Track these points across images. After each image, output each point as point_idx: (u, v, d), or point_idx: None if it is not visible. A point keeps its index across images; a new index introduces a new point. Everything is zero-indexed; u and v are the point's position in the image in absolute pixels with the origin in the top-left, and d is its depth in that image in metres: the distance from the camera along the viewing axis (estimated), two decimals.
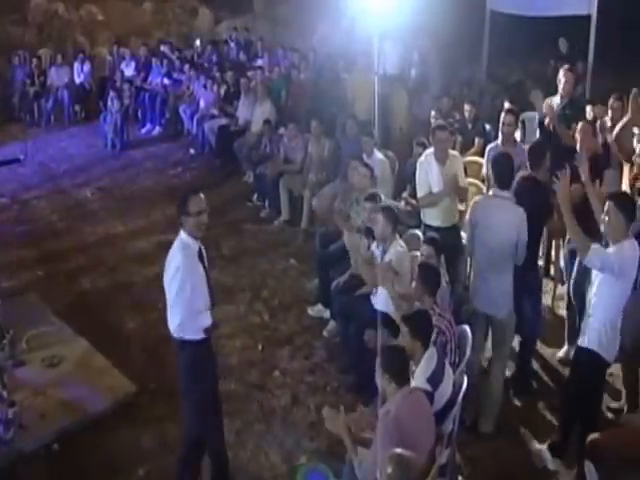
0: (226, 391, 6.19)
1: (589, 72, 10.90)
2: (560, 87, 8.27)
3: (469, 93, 11.60)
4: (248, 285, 8.16)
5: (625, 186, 6.66)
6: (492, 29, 12.74)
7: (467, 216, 6.01)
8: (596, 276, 5.02)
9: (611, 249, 4.87)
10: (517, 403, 6.17)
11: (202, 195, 4.71)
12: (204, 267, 4.80)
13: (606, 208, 4.92)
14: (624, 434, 4.81)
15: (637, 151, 6.50)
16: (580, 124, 6.95)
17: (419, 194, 6.95)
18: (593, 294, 5.05)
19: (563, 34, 12.90)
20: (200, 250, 4.76)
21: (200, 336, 4.77)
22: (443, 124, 7.17)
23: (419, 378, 4.59)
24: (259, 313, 7.59)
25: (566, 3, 11.61)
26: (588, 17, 11.04)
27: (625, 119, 7.36)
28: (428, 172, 6.84)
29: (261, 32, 17.13)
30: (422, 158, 7.01)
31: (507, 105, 8.74)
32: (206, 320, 4.79)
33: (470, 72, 13.38)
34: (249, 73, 12.78)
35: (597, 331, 4.98)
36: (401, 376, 4.35)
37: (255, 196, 10.56)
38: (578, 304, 6.22)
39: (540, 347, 6.87)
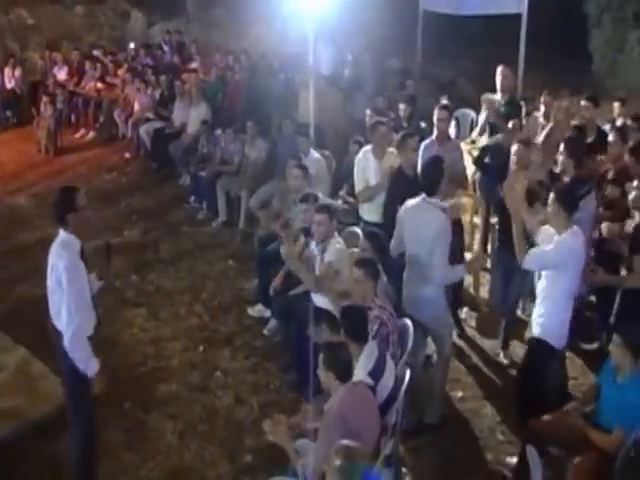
0: (168, 393, 6.25)
1: (520, 70, 11.18)
2: (498, 84, 8.43)
3: (403, 92, 11.75)
4: (187, 287, 8.13)
5: None
6: (425, 29, 12.93)
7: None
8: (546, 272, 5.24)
9: (550, 245, 5.07)
10: (460, 395, 6.30)
11: None
12: (85, 266, 4.66)
13: (550, 201, 5.14)
14: (559, 418, 4.95)
15: (560, 159, 6.63)
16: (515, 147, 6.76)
17: (357, 189, 7.04)
18: (541, 286, 5.26)
19: (495, 32, 13.16)
20: (82, 248, 4.64)
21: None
22: (381, 120, 7.26)
23: (360, 372, 4.61)
24: (199, 315, 7.56)
25: (497, 2, 11.86)
26: (519, 15, 11.34)
27: (550, 126, 7.58)
28: (366, 168, 6.97)
29: (194, 35, 17.02)
30: (360, 155, 7.13)
31: (442, 101, 8.89)
32: (90, 326, 4.69)
33: (404, 71, 13.56)
34: (184, 76, 12.70)
35: (547, 321, 5.18)
36: (345, 372, 4.37)
37: (192, 198, 10.53)
38: None
39: (481, 341, 7.05)
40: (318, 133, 9.45)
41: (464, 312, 7.37)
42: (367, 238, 5.92)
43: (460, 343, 6.93)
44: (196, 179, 10.34)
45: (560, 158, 6.43)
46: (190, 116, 11.41)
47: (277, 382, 6.38)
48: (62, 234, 4.58)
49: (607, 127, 8.38)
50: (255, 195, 9.09)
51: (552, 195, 5.19)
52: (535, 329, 5.31)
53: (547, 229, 5.36)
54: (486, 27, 12.70)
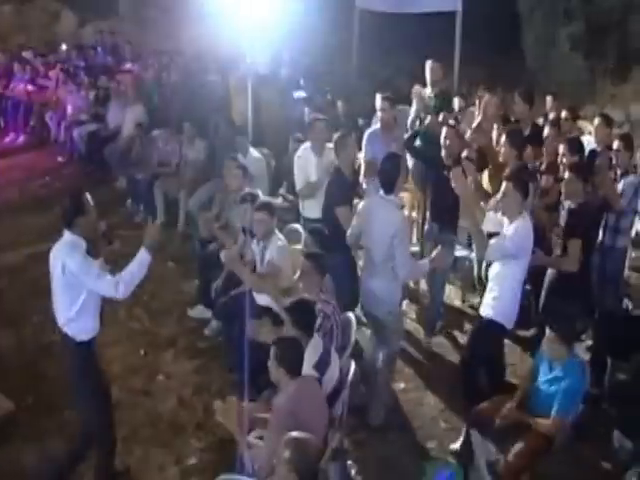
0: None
1: (456, 66, 11.37)
2: (428, 78, 8.54)
3: (341, 90, 11.83)
4: None
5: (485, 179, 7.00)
6: (361, 27, 13.03)
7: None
8: None
9: (506, 234, 5.26)
10: (402, 386, 6.37)
11: None
12: None
13: (503, 187, 5.34)
14: (500, 403, 5.06)
15: (502, 150, 6.79)
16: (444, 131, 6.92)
17: (298, 186, 7.07)
18: (496, 270, 5.45)
19: (431, 30, 13.28)
20: (88, 249, 4.81)
21: (93, 335, 4.87)
22: (320, 117, 7.29)
23: (305, 366, 4.63)
24: (139, 318, 7.47)
25: (433, 0, 12.04)
26: (454, 13, 11.51)
27: (478, 119, 7.73)
28: (306, 165, 7.03)
29: (128, 35, 16.81)
30: (299, 152, 7.18)
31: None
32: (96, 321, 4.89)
33: (342, 69, 13.63)
34: (118, 77, 12.52)
35: (500, 303, 5.39)
36: (295, 368, 4.42)
37: (129, 201, 10.41)
38: None
39: (420, 333, 7.17)
40: (256, 132, 9.47)
41: (404, 304, 7.44)
42: (310, 234, 5.95)
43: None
44: (133, 182, 10.20)
45: (502, 150, 6.53)
46: (126, 118, 11.24)
47: (221, 382, 6.33)
48: (68, 235, 4.73)
49: (541, 120, 8.58)
50: (194, 196, 9.02)
51: (507, 182, 5.37)
52: (487, 311, 5.47)
53: (493, 216, 5.49)
54: (423, 24, 12.82)
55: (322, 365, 4.74)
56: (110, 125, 11.60)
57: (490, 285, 5.53)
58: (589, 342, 6.38)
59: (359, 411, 5.77)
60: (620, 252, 6.73)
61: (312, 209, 7.02)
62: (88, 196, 4.87)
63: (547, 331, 4.89)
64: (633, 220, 6.97)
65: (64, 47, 15.60)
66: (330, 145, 7.20)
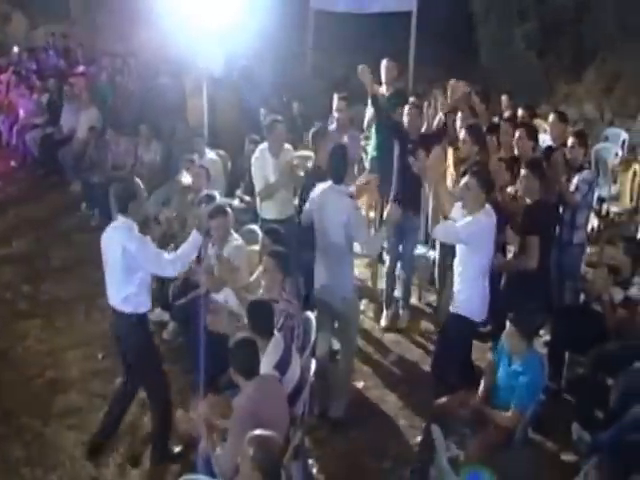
0: (68, 404, 6.11)
1: (411, 65, 11.43)
2: (383, 77, 8.57)
3: (297, 91, 11.82)
4: (83, 295, 7.91)
5: (450, 167, 7.14)
6: (316, 27, 13.03)
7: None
8: (458, 248, 5.49)
9: (463, 221, 5.30)
10: (362, 384, 6.38)
11: None
12: None
13: (465, 180, 5.34)
14: (461, 397, 5.10)
15: (461, 137, 6.87)
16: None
17: (257, 188, 7.05)
18: (458, 266, 5.49)
19: (386, 30, 13.34)
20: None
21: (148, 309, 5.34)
22: (276, 118, 7.27)
23: (266, 366, 4.63)
24: (97, 322, 7.35)
25: (388, 0, 12.09)
26: (409, 13, 11.57)
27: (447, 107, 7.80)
28: (264, 166, 6.98)
29: (80, 38, 16.59)
30: (257, 154, 7.13)
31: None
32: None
33: (297, 70, 13.62)
34: (72, 80, 12.34)
35: (466, 298, 5.42)
36: (249, 370, 4.40)
37: (84, 205, 10.26)
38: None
39: (379, 332, 7.21)
40: (212, 134, 9.42)
41: (362, 304, 7.46)
42: (267, 234, 5.92)
43: (359, 334, 6.99)
44: (87, 185, 10.07)
45: (464, 145, 6.59)
46: (80, 121, 11.11)
47: (180, 384, 6.25)
48: (122, 219, 5.07)
49: (497, 120, 8.64)
50: (150, 199, 8.88)
51: (469, 175, 5.39)
52: (454, 306, 5.52)
53: (458, 207, 5.52)
54: (378, 24, 12.87)
55: (283, 365, 4.73)
56: (64, 128, 11.44)
57: (456, 280, 5.56)
58: (547, 337, 6.45)
59: (320, 408, 5.79)
60: (578, 247, 6.82)
61: (270, 210, 7.01)
62: (139, 181, 5.28)
63: (507, 325, 4.94)
64: (588, 215, 7.08)
65: (16, 50, 15.30)
66: (287, 146, 7.20)
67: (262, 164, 7.02)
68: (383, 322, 7.31)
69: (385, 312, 7.36)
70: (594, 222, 8.02)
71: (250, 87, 11.65)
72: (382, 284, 7.64)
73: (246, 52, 12.39)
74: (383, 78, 8.58)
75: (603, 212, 9.39)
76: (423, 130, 7.09)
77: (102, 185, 9.55)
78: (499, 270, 6.11)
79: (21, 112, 12.34)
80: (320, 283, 5.85)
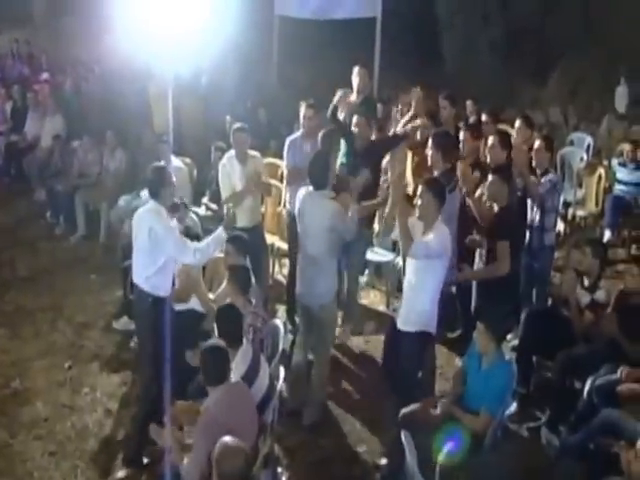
0: (34, 415, 6.02)
1: (376, 71, 11.45)
2: (355, 85, 8.52)
3: (262, 97, 11.81)
4: (48, 304, 7.81)
5: (408, 172, 7.24)
6: (281, 33, 13.02)
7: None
8: (411, 263, 5.30)
9: (430, 236, 5.15)
10: (331, 391, 6.32)
11: None
12: None
13: (419, 192, 5.22)
14: (430, 404, 5.10)
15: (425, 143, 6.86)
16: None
17: (224, 195, 7.01)
18: (414, 278, 5.28)
19: (351, 36, 13.37)
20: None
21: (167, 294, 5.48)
22: (242, 125, 7.24)
23: (234, 376, 4.59)
24: (63, 332, 7.30)
25: (352, 6, 12.11)
26: (374, 19, 11.60)
27: (409, 114, 7.82)
28: (231, 173, 6.96)
29: (44, 44, 16.43)
30: (224, 161, 7.12)
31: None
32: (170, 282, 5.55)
33: (262, 76, 13.59)
34: (36, 87, 12.19)
35: (422, 312, 5.25)
36: (216, 377, 4.37)
37: (49, 213, 10.12)
38: None
39: (344, 337, 7.17)
40: (177, 141, 9.35)
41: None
42: (230, 242, 5.88)
43: None
44: (52, 193, 9.94)
45: (429, 153, 6.52)
46: (44, 129, 11.00)
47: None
48: (153, 204, 5.36)
49: (462, 125, 8.67)
50: (116, 207, 8.84)
51: (423, 187, 5.25)
52: (412, 320, 5.30)
53: (414, 221, 5.46)
54: (343, 30, 12.90)
55: (251, 375, 4.70)
56: (28, 136, 11.28)
57: (411, 293, 5.34)
58: (515, 342, 6.47)
59: (290, 416, 5.75)
60: (548, 250, 6.87)
61: (238, 217, 6.93)
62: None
63: (477, 325, 4.93)
64: (556, 219, 7.14)
65: None
66: (254, 153, 7.17)
67: (229, 171, 7.00)
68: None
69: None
70: (561, 226, 8.08)
71: (216, 94, 11.66)
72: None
73: (212, 58, 12.38)
74: (355, 86, 8.54)
75: (569, 216, 9.50)
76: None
77: (67, 193, 9.49)
78: (469, 279, 6.14)
79: None
80: (300, 288, 5.87)
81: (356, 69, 8.60)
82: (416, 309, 5.29)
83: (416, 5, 13.68)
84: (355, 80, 8.50)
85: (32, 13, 18.65)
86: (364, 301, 7.78)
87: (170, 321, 5.34)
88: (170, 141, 8.88)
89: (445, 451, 4.60)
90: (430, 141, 6.55)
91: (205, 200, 8.45)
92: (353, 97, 8.47)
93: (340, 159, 8.44)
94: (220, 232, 5.41)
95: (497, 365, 4.93)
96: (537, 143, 6.89)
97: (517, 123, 7.56)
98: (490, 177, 6.14)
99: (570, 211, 9.51)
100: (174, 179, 5.57)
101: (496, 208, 6.11)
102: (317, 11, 12.56)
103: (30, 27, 18.23)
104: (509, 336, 6.44)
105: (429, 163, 6.49)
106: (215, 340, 4.62)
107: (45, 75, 13.65)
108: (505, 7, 13.48)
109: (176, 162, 8.40)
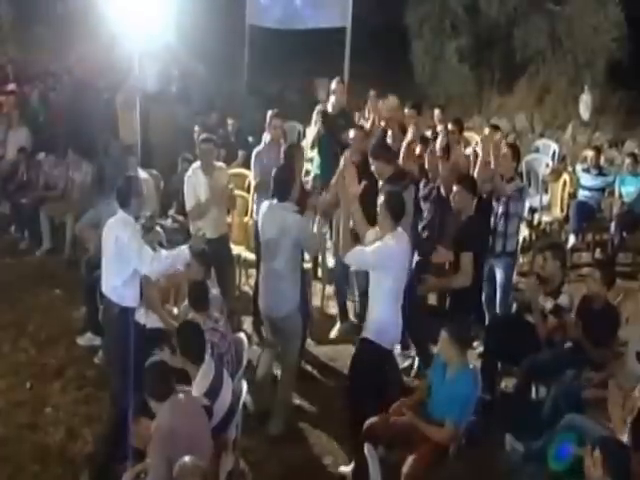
0: None
1: (345, 82, 11.41)
2: (333, 98, 8.50)
3: (231, 106, 11.76)
4: (11, 322, 7.62)
5: None
6: (252, 43, 13.01)
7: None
8: (370, 273, 5.30)
9: (372, 246, 5.14)
10: (297, 402, 6.32)
11: None
12: None
13: (378, 204, 5.22)
14: (393, 415, 5.08)
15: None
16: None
17: (188, 207, 6.96)
18: (370, 289, 5.30)
19: (321, 45, 13.34)
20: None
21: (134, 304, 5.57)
22: (208, 137, 7.21)
23: (196, 393, 4.57)
24: (25, 349, 7.14)
25: (322, 16, 12.14)
26: (344, 29, 11.61)
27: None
28: (196, 185, 6.90)
29: (11, 55, 16.24)
30: (189, 172, 7.06)
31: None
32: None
33: (232, 86, 13.55)
34: (0, 98, 12.00)
35: (376, 322, 5.21)
36: (159, 394, 4.33)
37: (13, 227, 9.95)
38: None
39: (314, 347, 7.15)
40: (145, 152, 9.27)
41: None
42: (192, 255, 5.82)
43: None
44: (17, 207, 9.77)
45: (373, 167, 6.47)
46: (8, 141, 10.73)
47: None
48: (122, 213, 5.43)
49: (429, 133, 8.69)
50: (81, 220, 8.71)
51: (380, 200, 5.27)
52: (368, 328, 5.32)
53: (374, 231, 5.43)
54: (311, 40, 12.91)
55: (213, 392, 4.66)
56: None
57: (369, 306, 5.37)
58: (481, 349, 6.48)
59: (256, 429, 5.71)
60: (510, 257, 6.89)
61: (204, 229, 6.88)
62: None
63: (441, 334, 4.93)
64: (519, 225, 7.16)
65: None
66: (220, 164, 7.14)
67: (194, 182, 6.94)
68: (332, 333, 7.37)
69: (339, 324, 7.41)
70: (526, 232, 8.12)
71: (184, 103, 11.60)
72: (316, 300, 7.67)
73: (181, 67, 12.33)
74: (333, 99, 8.54)
75: (535, 222, 9.55)
76: None
77: (32, 207, 9.36)
78: (431, 290, 6.11)
79: None
80: (263, 300, 5.86)
81: (334, 82, 8.61)
82: (371, 317, 5.30)
83: (384, 13, 13.71)
84: (335, 93, 8.50)
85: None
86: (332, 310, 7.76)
87: (138, 333, 5.32)
88: (137, 152, 8.85)
89: None
90: (369, 154, 6.51)
91: (171, 212, 8.39)
92: (329, 109, 8.47)
93: (314, 171, 8.49)
94: (184, 250, 5.38)
95: (461, 373, 4.94)
96: (504, 150, 6.92)
97: (485, 131, 7.59)
98: (455, 187, 6.16)
99: (536, 217, 9.57)
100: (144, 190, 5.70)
101: (462, 219, 6.12)
102: (288, 21, 12.59)
103: None
104: (475, 343, 6.46)
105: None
106: (158, 356, 4.57)
107: (11, 86, 13.45)
108: (473, 16, 13.57)
109: (142, 174, 8.32)
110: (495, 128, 7.61)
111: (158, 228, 7.01)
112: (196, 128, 9.63)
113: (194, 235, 5.70)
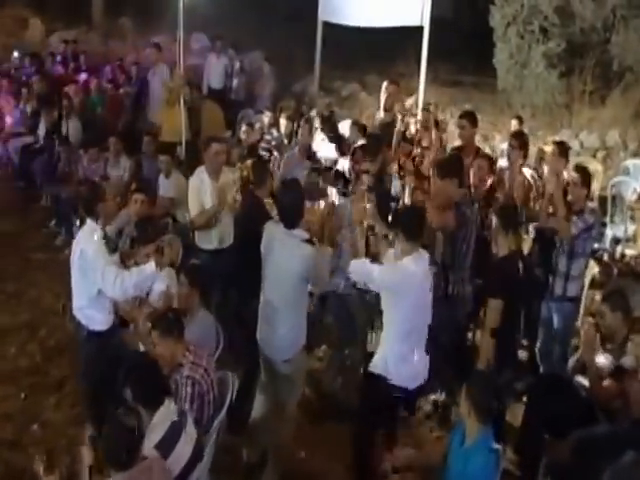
0: None
1: (421, 84, 10.68)
2: (382, 100, 8.03)
3: (300, 106, 11.24)
4: (26, 323, 7.25)
5: None
6: (325, 40, 12.39)
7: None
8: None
9: (384, 265, 4.72)
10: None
11: None
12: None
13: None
14: None
15: None
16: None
17: (192, 214, 6.31)
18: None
19: (397, 45, 12.63)
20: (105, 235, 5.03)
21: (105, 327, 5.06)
22: (217, 137, 6.57)
23: (147, 445, 3.87)
24: (31, 355, 6.74)
25: (399, 14, 11.39)
26: (421, 29, 10.83)
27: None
28: (200, 190, 6.25)
29: (93, 45, 16.17)
30: (194, 176, 6.38)
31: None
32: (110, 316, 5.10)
33: (303, 85, 13.04)
34: (66, 89, 11.70)
35: (383, 356, 4.75)
36: (116, 463, 3.72)
37: (53, 222, 9.50)
38: None
39: None
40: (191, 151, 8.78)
41: None
42: (184, 274, 5.15)
43: None
44: (56, 201, 9.38)
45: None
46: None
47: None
48: (90, 223, 4.98)
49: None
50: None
51: (397, 227, 4.77)
52: (376, 365, 4.80)
53: (391, 252, 4.86)
54: (387, 39, 12.18)
55: (166, 445, 3.94)
56: (41, 138, 10.73)
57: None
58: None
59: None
60: (572, 302, 5.94)
61: (207, 239, 6.35)
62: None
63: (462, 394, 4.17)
64: (586, 266, 6.14)
65: (16, 55, 14.61)
66: (226, 167, 6.63)
67: (199, 187, 6.32)
68: None
69: None
70: (595, 270, 7.00)
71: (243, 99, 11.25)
72: None
73: (245, 62, 11.96)
74: (383, 101, 8.13)
75: (617, 255, 8.45)
76: None
77: (69, 201, 8.88)
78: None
79: (8, 119, 11.71)
80: (262, 335, 5.04)
81: (385, 84, 7.97)
82: (378, 351, 4.83)
83: (469, 14, 12.82)
84: (383, 97, 7.88)
85: (90, 13, 18.54)
86: None
87: (109, 362, 4.67)
88: (179, 151, 8.39)
89: None
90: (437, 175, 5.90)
91: None
92: (380, 114, 7.84)
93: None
94: (150, 264, 4.75)
95: (478, 448, 4.13)
96: (573, 176, 5.94)
97: (549, 150, 6.61)
98: (494, 221, 5.31)
99: (618, 249, 8.46)
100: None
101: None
102: (363, 18, 11.86)
103: (84, 28, 18.03)
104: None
105: None
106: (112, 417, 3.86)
107: (83, 75, 13.22)
108: (566, 21, 12.43)
109: (178, 175, 7.86)
110: (561, 147, 6.48)
111: None
112: (243, 128, 9.02)
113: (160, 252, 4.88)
